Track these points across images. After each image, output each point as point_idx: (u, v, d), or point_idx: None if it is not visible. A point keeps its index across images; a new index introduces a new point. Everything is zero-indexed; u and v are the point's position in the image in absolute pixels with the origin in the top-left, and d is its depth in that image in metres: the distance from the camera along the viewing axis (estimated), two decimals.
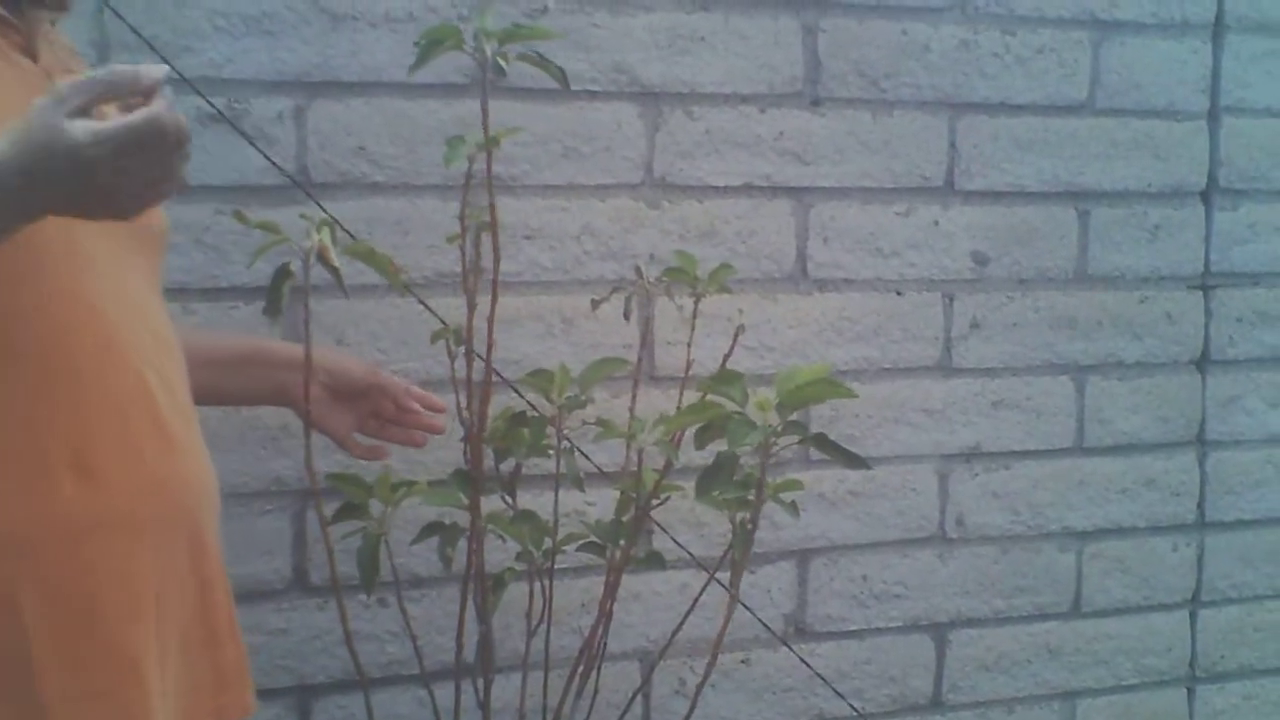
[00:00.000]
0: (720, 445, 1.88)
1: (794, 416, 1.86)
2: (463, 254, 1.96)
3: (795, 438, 1.88)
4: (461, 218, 1.95)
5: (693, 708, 2.13)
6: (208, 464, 1.61)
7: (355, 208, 2.21)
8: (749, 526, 1.95)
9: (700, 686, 2.10)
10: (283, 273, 1.74)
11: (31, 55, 1.51)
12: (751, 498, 1.95)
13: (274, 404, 2.01)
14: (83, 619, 1.40)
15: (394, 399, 2.03)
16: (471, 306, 1.96)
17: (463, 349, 2.00)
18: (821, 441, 1.88)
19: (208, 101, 2.11)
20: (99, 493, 1.41)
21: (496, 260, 1.96)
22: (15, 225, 1.32)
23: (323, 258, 1.73)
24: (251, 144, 2.14)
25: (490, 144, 1.92)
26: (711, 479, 1.89)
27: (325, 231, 1.74)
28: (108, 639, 1.41)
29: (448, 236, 2.03)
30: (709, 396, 1.91)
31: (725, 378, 1.89)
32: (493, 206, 1.93)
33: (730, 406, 1.86)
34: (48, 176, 1.27)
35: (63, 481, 1.39)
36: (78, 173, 1.27)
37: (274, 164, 2.15)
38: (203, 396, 1.73)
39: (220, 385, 1.88)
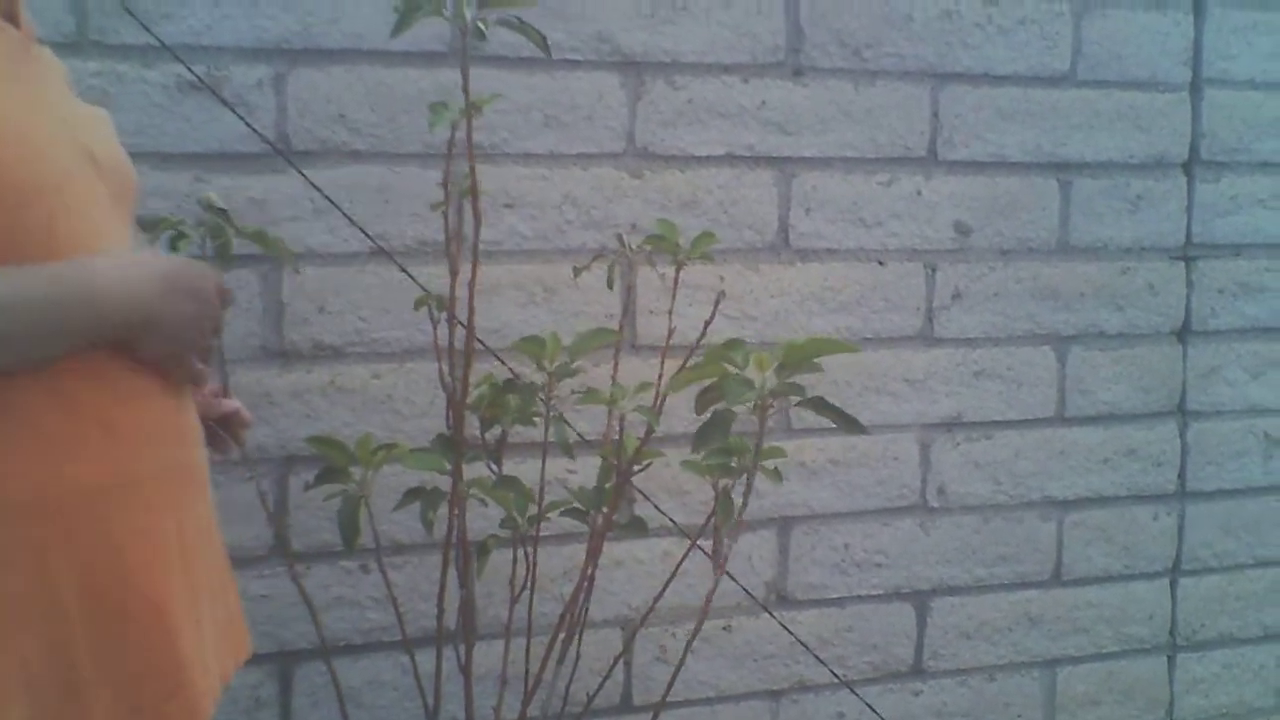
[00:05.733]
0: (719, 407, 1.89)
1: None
2: (446, 221, 1.96)
3: (793, 399, 1.87)
4: (445, 185, 1.95)
5: (676, 673, 2.14)
6: (194, 413, 1.63)
7: (335, 175, 2.21)
8: (740, 490, 1.95)
9: (686, 649, 2.10)
10: (177, 237, 1.85)
11: (14, 20, 1.52)
12: (735, 465, 1.95)
13: None
14: (111, 576, 1.42)
15: None
16: (454, 273, 1.96)
17: (445, 316, 2.00)
18: (818, 404, 1.88)
19: (187, 68, 2.12)
20: (122, 449, 1.44)
21: (477, 227, 1.96)
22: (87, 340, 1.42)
23: (208, 204, 1.82)
24: (232, 111, 2.14)
25: (471, 110, 1.92)
26: (708, 435, 1.90)
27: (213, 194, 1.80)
28: (136, 593, 1.44)
29: (432, 204, 2.03)
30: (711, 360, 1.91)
31: (730, 344, 1.89)
32: (473, 170, 1.93)
33: (731, 370, 1.87)
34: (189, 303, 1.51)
35: (88, 444, 1.41)
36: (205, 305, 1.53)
37: (255, 131, 2.16)
38: None
39: None
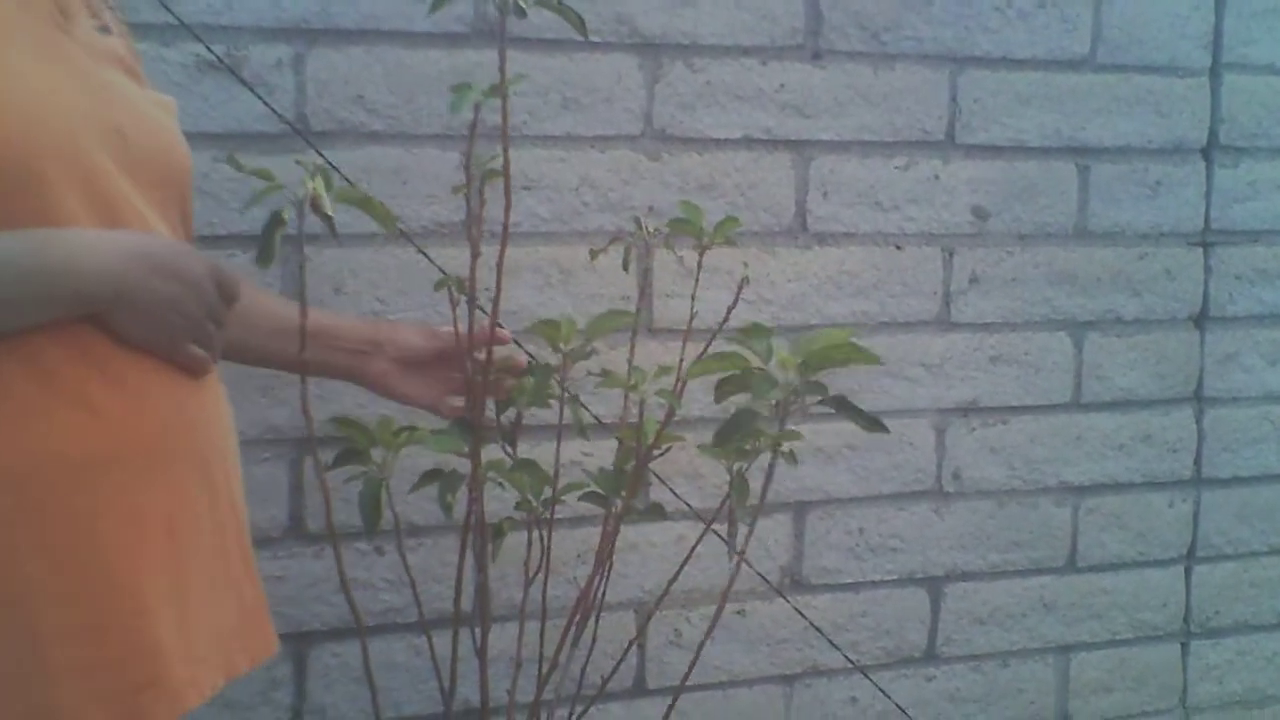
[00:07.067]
0: (739, 399, 1.88)
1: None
2: (468, 204, 1.95)
3: (815, 397, 1.87)
4: (467, 167, 1.94)
5: (695, 661, 2.13)
6: (223, 406, 1.63)
7: (353, 156, 2.20)
8: (755, 474, 1.95)
9: (706, 637, 2.10)
10: (275, 221, 1.70)
11: None
12: (749, 448, 1.95)
13: (344, 380, 2.01)
14: (81, 553, 1.39)
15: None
16: (475, 256, 1.95)
17: (465, 298, 1.98)
18: (841, 404, 1.87)
19: (207, 48, 2.11)
20: (102, 429, 1.41)
21: (508, 210, 1.93)
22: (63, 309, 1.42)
23: (315, 206, 1.70)
24: (251, 91, 2.14)
25: (499, 91, 1.90)
26: (731, 431, 1.89)
27: (319, 180, 1.72)
28: (108, 574, 1.41)
29: (454, 187, 2.02)
30: (732, 348, 1.90)
31: (753, 332, 1.88)
32: (506, 151, 1.91)
33: (754, 360, 1.86)
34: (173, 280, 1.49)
35: (64, 418, 1.39)
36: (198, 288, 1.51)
37: (274, 111, 2.15)
38: (266, 362, 1.90)
39: (285, 357, 1.90)
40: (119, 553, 1.42)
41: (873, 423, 1.89)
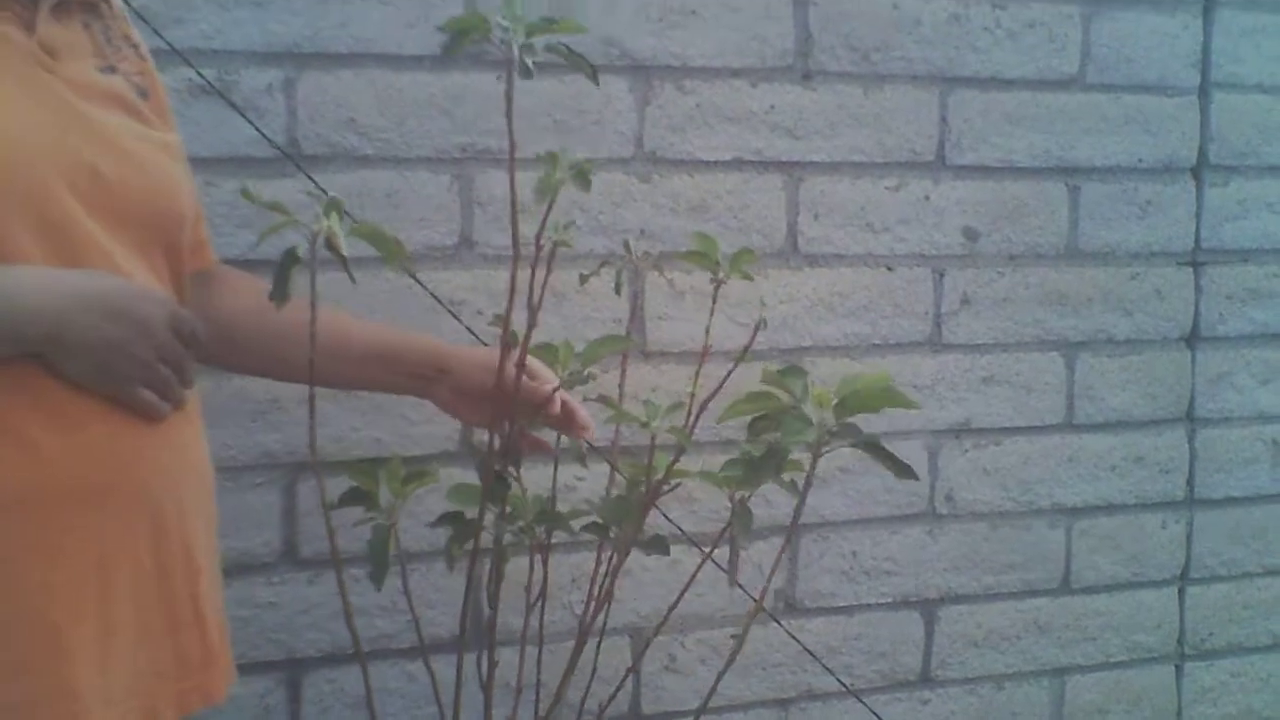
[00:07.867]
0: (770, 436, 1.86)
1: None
2: (533, 272, 1.91)
3: (847, 439, 1.83)
4: (537, 238, 1.91)
5: (711, 694, 2.11)
6: (190, 450, 1.60)
7: (345, 180, 2.19)
8: (754, 502, 1.93)
9: (723, 670, 2.09)
10: (290, 258, 1.64)
11: (30, 28, 1.50)
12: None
13: (414, 396, 2.00)
14: (3, 591, 1.38)
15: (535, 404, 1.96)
16: (532, 326, 1.91)
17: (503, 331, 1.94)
18: (874, 448, 1.84)
19: (198, 73, 2.10)
20: (39, 468, 1.40)
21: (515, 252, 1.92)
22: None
23: (331, 244, 1.67)
24: (242, 115, 2.13)
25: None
26: (762, 470, 1.87)
27: (334, 217, 1.68)
28: (30, 613, 1.40)
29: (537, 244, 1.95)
30: (766, 387, 1.87)
31: (789, 371, 1.84)
32: (514, 206, 1.90)
33: (786, 399, 1.83)
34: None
35: (2, 457, 1.38)
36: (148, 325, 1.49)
37: (264, 136, 2.14)
38: (331, 383, 1.87)
39: (348, 378, 1.93)
40: (42, 592, 1.41)
41: (904, 470, 1.85)
